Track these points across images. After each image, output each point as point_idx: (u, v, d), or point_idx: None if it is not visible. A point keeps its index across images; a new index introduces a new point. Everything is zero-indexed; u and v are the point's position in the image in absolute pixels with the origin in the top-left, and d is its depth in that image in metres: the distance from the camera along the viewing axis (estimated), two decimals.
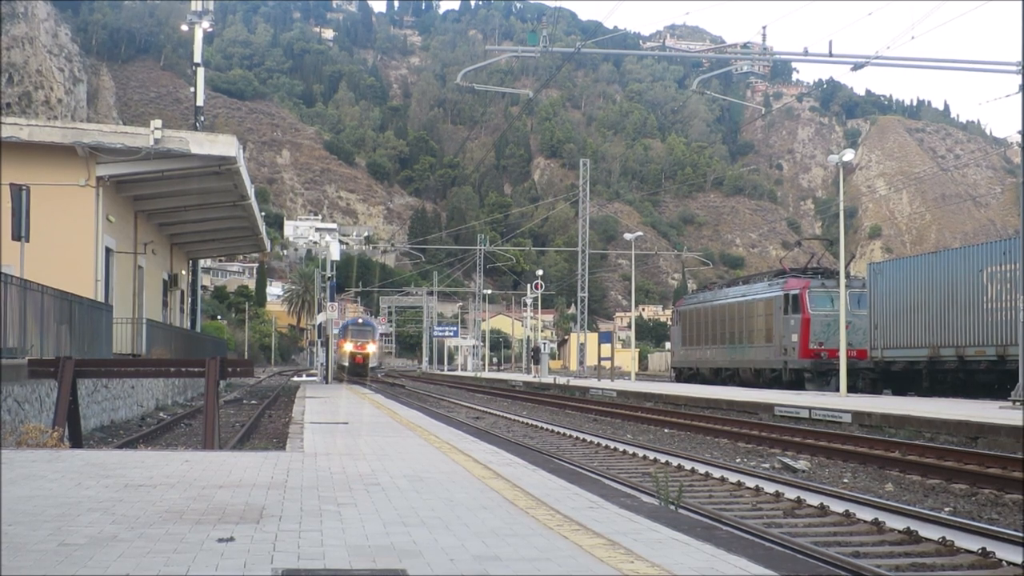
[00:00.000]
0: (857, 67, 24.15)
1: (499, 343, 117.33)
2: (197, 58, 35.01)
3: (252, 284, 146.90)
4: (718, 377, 41.75)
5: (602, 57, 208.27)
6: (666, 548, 5.26)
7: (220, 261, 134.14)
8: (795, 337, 34.96)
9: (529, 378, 50.78)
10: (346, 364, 57.18)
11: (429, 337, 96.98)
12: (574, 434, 18.80)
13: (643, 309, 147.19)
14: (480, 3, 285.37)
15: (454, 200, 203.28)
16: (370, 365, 58.42)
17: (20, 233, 17.13)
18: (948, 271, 29.37)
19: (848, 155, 30.83)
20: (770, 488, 11.00)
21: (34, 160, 22.84)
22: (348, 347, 57.54)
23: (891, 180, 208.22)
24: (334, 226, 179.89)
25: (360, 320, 64.15)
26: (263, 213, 41.59)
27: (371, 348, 59.12)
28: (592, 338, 61.09)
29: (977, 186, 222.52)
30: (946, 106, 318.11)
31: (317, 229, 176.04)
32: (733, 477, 12.00)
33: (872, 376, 33.13)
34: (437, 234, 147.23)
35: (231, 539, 5.22)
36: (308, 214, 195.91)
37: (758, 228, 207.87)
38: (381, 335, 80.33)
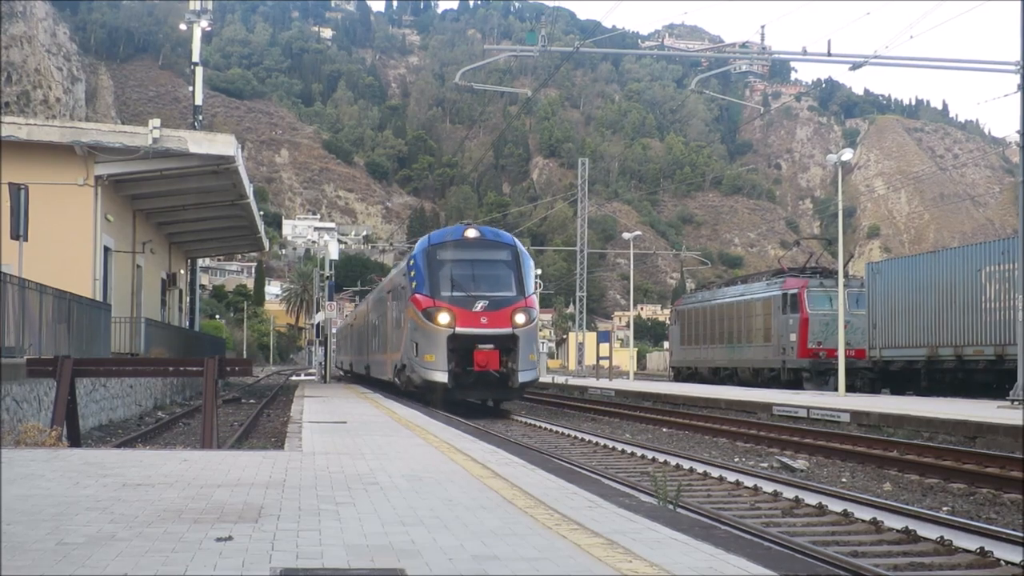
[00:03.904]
0: (856, 67, 24.12)
1: None
2: (196, 57, 35.01)
3: (250, 283, 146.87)
4: (717, 376, 41.74)
5: (601, 56, 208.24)
6: (665, 547, 5.26)
7: (218, 260, 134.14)
8: (793, 337, 34.98)
9: None
10: (435, 374, 23.06)
11: None
12: (572, 433, 18.79)
13: (641, 308, 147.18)
14: (479, 2, 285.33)
15: (453, 199, 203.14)
16: (520, 376, 23.27)
17: (19, 232, 17.11)
18: (946, 271, 29.39)
19: (846, 155, 30.86)
20: (768, 487, 11.00)
21: (33, 159, 22.84)
22: (444, 318, 23.19)
23: (889, 180, 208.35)
24: (332, 225, 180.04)
25: (472, 233, 25.39)
26: (261, 212, 41.63)
27: (520, 318, 23.47)
28: (591, 337, 61.09)
29: (975, 186, 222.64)
30: (945, 106, 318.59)
31: (316, 228, 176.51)
32: (731, 476, 12.00)
33: (870, 376, 33.15)
34: None
35: (229, 538, 5.21)
36: (307, 213, 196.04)
37: (756, 228, 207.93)
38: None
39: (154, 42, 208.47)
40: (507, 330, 23.17)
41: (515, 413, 24.98)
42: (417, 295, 23.91)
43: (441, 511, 6.32)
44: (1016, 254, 24.38)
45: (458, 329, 23.00)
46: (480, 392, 24.15)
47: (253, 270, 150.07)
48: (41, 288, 17.11)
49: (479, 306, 23.32)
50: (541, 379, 34.71)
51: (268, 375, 68.49)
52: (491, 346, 23.08)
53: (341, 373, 53.73)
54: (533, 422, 22.25)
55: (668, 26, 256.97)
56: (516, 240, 25.98)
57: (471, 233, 25.32)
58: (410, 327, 24.22)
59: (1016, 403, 20.13)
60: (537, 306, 24.64)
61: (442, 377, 22.91)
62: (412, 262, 25.17)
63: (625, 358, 69.83)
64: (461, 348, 23.02)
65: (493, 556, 4.88)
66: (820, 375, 34.21)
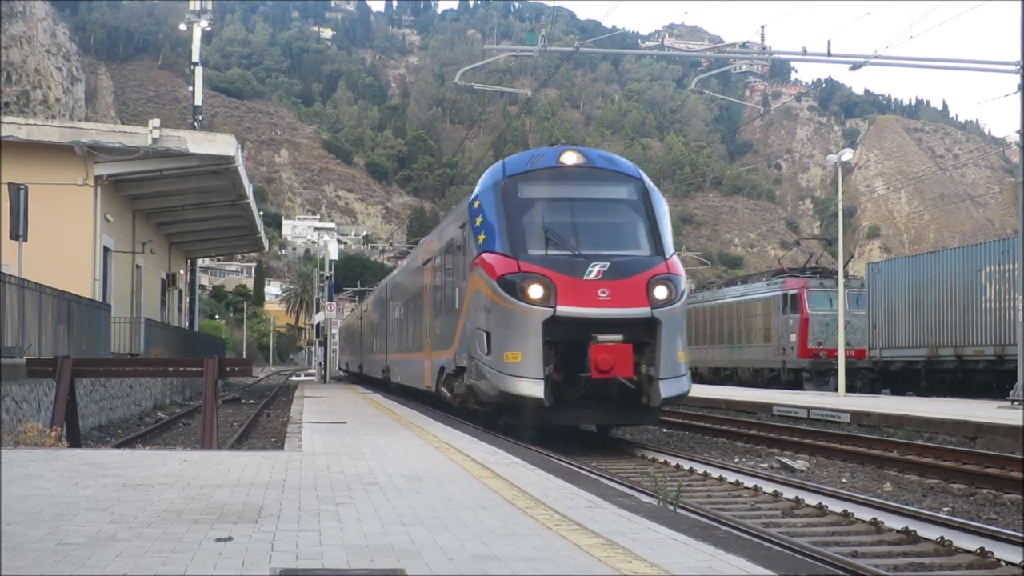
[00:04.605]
0: (856, 67, 24.10)
1: None
2: (195, 57, 35.03)
3: (250, 283, 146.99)
4: (717, 377, 41.76)
5: (600, 56, 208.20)
6: (664, 548, 5.25)
7: (218, 260, 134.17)
8: (793, 337, 34.98)
9: None
10: (522, 384, 13.82)
11: None
12: (572, 433, 18.73)
13: None
14: (479, 2, 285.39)
15: (452, 199, 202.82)
16: (663, 388, 14.16)
17: (18, 232, 17.12)
18: (946, 271, 29.39)
19: (846, 155, 30.89)
20: (768, 488, 10.99)
21: (32, 159, 22.85)
22: (537, 291, 13.87)
23: (889, 180, 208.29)
24: (332, 225, 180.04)
25: (572, 158, 15.52)
26: (261, 212, 41.63)
27: (661, 292, 14.23)
28: None
29: (976, 186, 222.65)
30: (945, 106, 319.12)
31: (315, 228, 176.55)
32: (731, 477, 11.99)
33: (870, 376, 33.15)
34: None
35: (229, 539, 5.21)
36: (306, 213, 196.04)
37: (756, 228, 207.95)
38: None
39: (154, 42, 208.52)
40: (642, 310, 14.11)
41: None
42: (487, 256, 14.75)
43: (441, 511, 6.32)
44: (1016, 254, 24.37)
45: (561, 309, 13.92)
46: (595, 413, 15.02)
47: (253, 270, 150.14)
48: (41, 288, 17.11)
49: (594, 271, 14.22)
50: None
51: (268, 375, 68.48)
52: (618, 337, 13.94)
53: (342, 373, 53.68)
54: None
55: (668, 26, 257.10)
56: (640, 170, 16.30)
57: (570, 158, 15.65)
58: (473, 308, 15.17)
59: (1016, 403, 20.12)
60: (683, 273, 15.10)
61: (534, 389, 13.78)
62: (476, 204, 15.58)
63: None
64: (566, 341, 14.08)
65: (493, 556, 4.88)
66: (820, 375, 34.21)
